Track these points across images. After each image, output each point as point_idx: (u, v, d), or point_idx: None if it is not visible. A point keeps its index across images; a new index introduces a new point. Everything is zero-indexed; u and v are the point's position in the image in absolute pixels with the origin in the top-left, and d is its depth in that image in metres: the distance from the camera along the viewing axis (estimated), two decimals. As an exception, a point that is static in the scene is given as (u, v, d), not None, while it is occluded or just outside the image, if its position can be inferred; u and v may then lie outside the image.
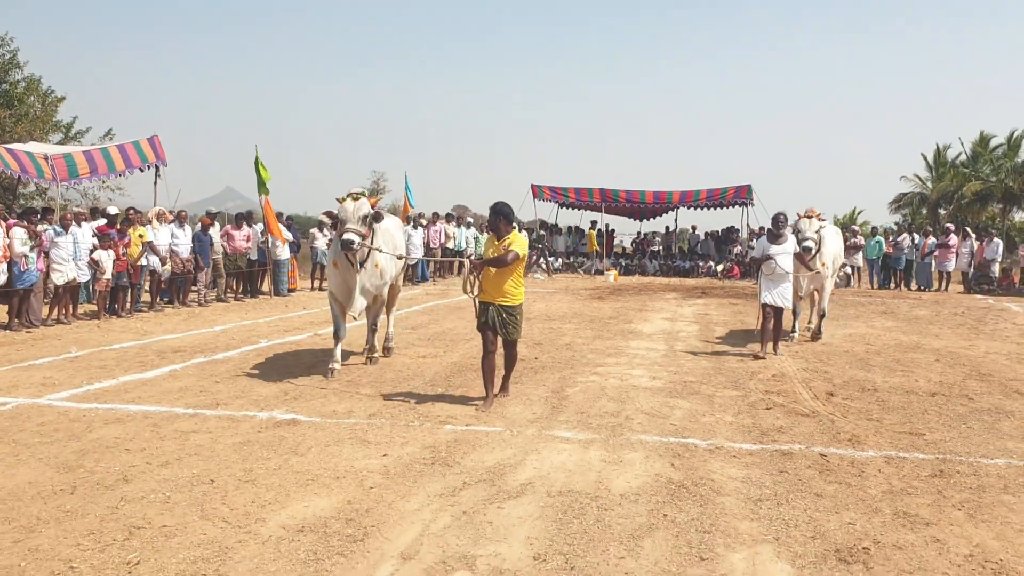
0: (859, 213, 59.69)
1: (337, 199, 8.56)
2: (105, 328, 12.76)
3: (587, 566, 4.03)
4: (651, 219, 33.82)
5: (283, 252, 18.56)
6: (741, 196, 29.22)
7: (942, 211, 45.08)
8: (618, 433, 6.61)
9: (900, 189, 48.83)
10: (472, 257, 25.43)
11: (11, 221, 12.55)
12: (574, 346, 11.34)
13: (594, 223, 31.09)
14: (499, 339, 7.40)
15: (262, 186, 17.77)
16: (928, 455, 6.08)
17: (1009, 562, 4.14)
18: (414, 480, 5.34)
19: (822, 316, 12.27)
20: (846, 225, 35.72)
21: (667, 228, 32.50)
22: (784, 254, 10.48)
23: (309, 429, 6.62)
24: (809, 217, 11.55)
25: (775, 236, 10.65)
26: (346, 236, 8.21)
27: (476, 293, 7.40)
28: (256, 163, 17.86)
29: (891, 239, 23.95)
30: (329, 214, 8.69)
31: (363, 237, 8.40)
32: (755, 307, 11.88)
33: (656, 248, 31.23)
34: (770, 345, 10.66)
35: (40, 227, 12.95)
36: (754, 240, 26.73)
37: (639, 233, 33.59)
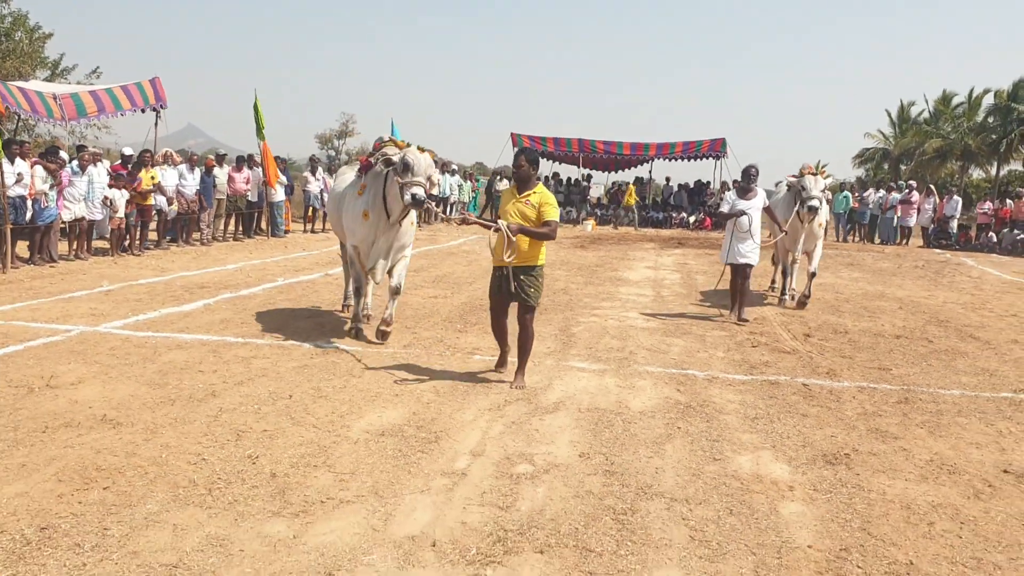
0: (824, 166, 60.91)
1: (395, 143, 7.86)
2: (122, 265, 13.43)
3: (624, 463, 4.97)
4: (627, 169, 34.59)
5: (279, 194, 19.18)
6: (715, 149, 30.12)
7: (904, 167, 46.46)
8: (626, 365, 7.55)
9: (864, 144, 50.14)
10: (458, 207, 26.14)
11: (33, 159, 13.09)
12: (569, 291, 12.25)
13: (639, 179, 31.71)
14: (513, 306, 6.60)
15: (260, 130, 18.33)
16: (894, 386, 7.10)
17: (960, 465, 5.15)
18: (463, 397, 6.25)
19: (812, 277, 11.41)
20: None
21: (641, 179, 33.36)
22: (754, 209, 9.88)
23: (354, 356, 7.48)
24: (814, 174, 10.83)
25: (745, 190, 10.02)
26: (416, 191, 7.11)
27: (511, 258, 6.26)
28: (255, 108, 18.39)
29: (857, 194, 25.06)
30: (387, 160, 7.57)
31: (429, 196, 7.36)
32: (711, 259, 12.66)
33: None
34: (737, 310, 10.15)
35: (64, 169, 13.49)
36: (726, 192, 27.80)
37: (614, 184, 34.42)
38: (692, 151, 30.63)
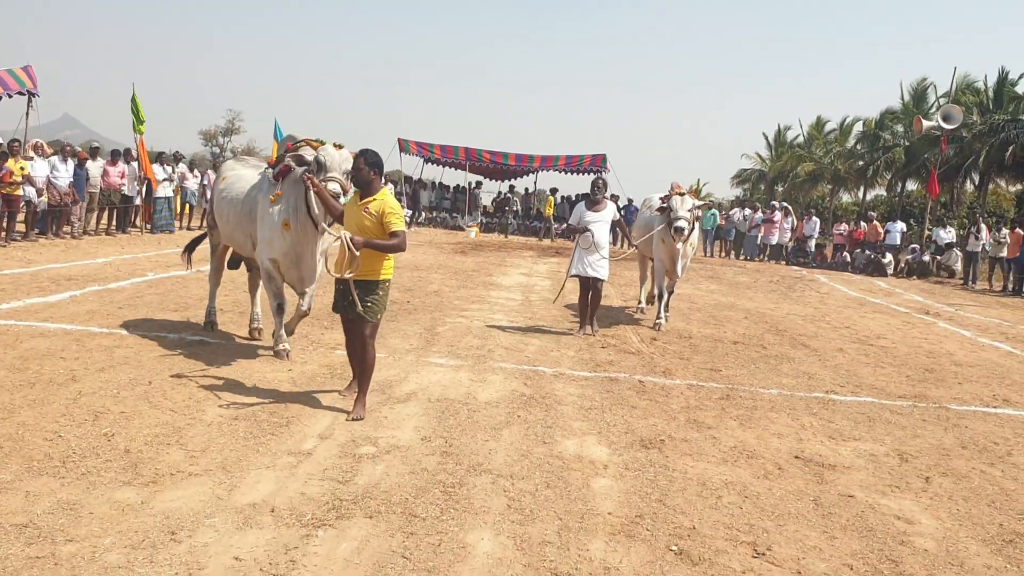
0: (704, 185, 63.41)
1: (309, 143, 7.19)
2: (4, 255, 13.16)
3: (461, 445, 5.44)
4: (512, 179, 35.31)
5: (164, 190, 19.04)
6: (596, 164, 31.12)
7: (779, 188, 48.89)
8: (482, 361, 8.05)
9: (742, 165, 52.44)
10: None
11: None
12: (441, 293, 12.71)
13: (554, 190, 32.14)
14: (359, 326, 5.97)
15: (138, 125, 18.13)
16: (720, 384, 7.82)
17: (759, 451, 5.84)
18: (319, 386, 6.62)
19: (671, 294, 11.23)
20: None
21: (526, 189, 34.12)
22: (601, 222, 9.73)
23: (219, 348, 7.74)
24: (681, 194, 10.37)
25: (593, 203, 9.88)
26: (332, 186, 6.49)
27: (352, 274, 5.74)
28: (133, 101, 18.17)
29: (724, 212, 26.43)
30: (298, 158, 7.11)
31: (344, 193, 6.57)
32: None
33: (516, 208, 32.85)
34: (587, 324, 10.00)
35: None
36: (577, 204, 28.76)
37: (500, 192, 35.10)
38: (575, 165, 31.60)
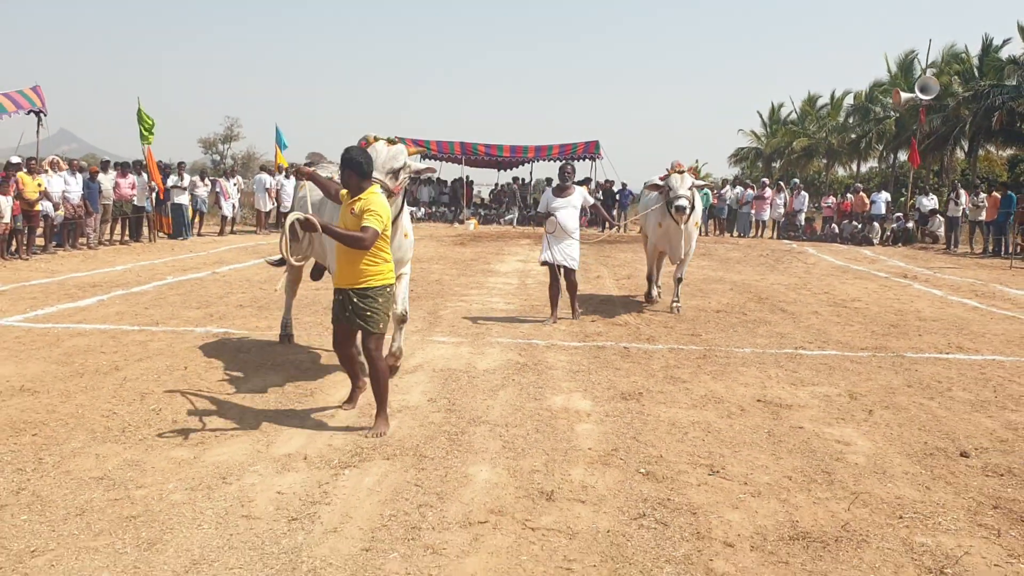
0: (703, 165, 64.02)
1: (367, 138, 6.37)
2: (12, 268, 13.96)
3: (462, 404, 6.23)
4: (508, 170, 36.03)
5: (182, 197, 19.98)
6: (590, 151, 31.87)
7: (775, 165, 49.49)
8: (481, 337, 8.83)
9: (739, 143, 52.97)
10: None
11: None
12: (442, 282, 13.50)
13: (548, 180, 32.87)
14: (356, 334, 5.70)
15: (145, 137, 18.94)
16: (699, 347, 8.60)
17: (726, 397, 6.61)
18: (337, 366, 7.40)
19: (680, 281, 10.90)
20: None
21: (522, 180, 34.85)
22: (569, 207, 9.59)
23: (244, 339, 8.53)
24: (680, 172, 10.13)
25: (561, 189, 9.71)
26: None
27: (299, 257, 5.84)
28: (139, 115, 18.98)
29: (716, 191, 27.16)
30: (315, 155, 6.86)
31: (390, 195, 5.89)
32: (600, 254, 14.09)
33: (516, 199, 33.58)
34: (571, 308, 10.03)
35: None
36: (600, 192, 29.59)
37: (496, 184, 35.86)
38: (568, 153, 32.26)
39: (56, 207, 16.42)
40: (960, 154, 38.17)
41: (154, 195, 19.46)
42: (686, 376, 7.31)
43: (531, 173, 35.26)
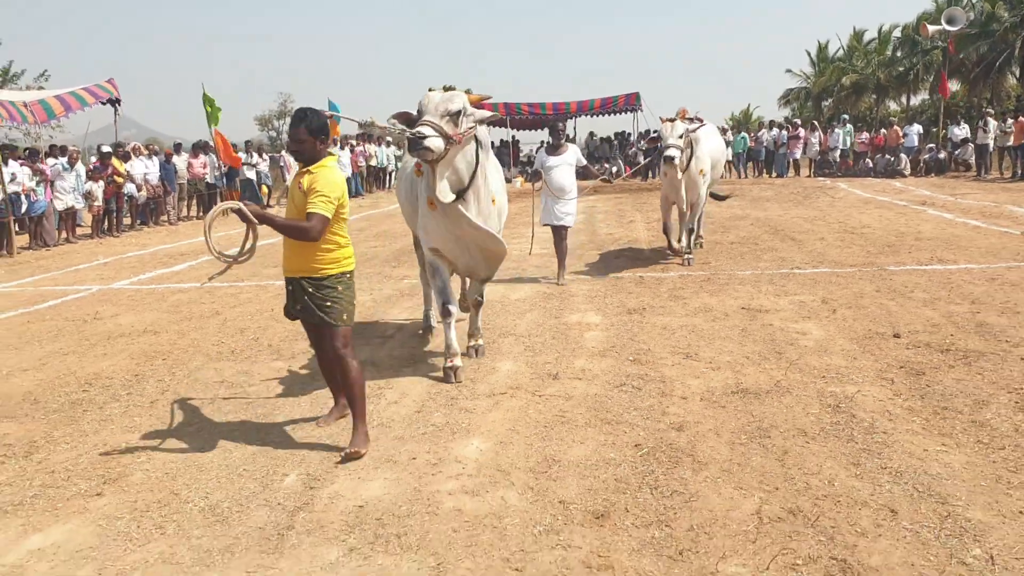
0: (755, 109, 64.03)
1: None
2: (107, 244, 15.81)
3: (495, 323, 7.67)
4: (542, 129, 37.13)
5: (250, 173, 21.70)
6: (631, 103, 32.82)
7: (825, 104, 49.46)
8: (516, 277, 10.24)
9: (788, 84, 52.84)
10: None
11: (21, 161, 15.37)
12: (487, 233, 14.94)
13: (592, 134, 34.41)
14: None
15: (212, 120, 20.62)
16: (706, 272, 9.89)
17: (716, 307, 7.93)
18: (390, 302, 8.91)
19: (691, 232, 10.82)
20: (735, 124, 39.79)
21: (652, 132, 35.86)
22: (563, 165, 9.39)
23: (239, 292, 10.07)
24: (672, 120, 9.97)
25: (553, 147, 9.59)
26: (418, 129, 5.24)
27: (233, 255, 5.04)
28: (204, 100, 20.66)
29: (753, 134, 28.00)
30: (401, 115, 5.91)
31: (448, 141, 5.30)
32: (638, 201, 15.23)
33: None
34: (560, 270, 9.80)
35: (49, 162, 15.80)
36: (643, 142, 30.61)
37: (543, 142, 37.02)
38: (609, 106, 33.31)
39: (139, 188, 18.22)
40: (1012, 80, 37.96)
41: (224, 172, 21.22)
42: (687, 295, 8.62)
43: (574, 128, 36.37)
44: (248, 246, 4.98)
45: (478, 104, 5.73)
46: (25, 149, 17.51)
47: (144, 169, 18.33)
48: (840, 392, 5.29)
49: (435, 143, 5.19)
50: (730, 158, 27.76)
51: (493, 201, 6.06)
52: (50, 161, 16.05)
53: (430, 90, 5.65)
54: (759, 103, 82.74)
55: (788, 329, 6.97)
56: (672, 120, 9.99)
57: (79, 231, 17.10)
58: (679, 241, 10.89)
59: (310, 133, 4.54)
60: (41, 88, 27.39)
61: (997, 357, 5.87)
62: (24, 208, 15.13)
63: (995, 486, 3.89)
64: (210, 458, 4.72)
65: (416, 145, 5.19)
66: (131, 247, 15.17)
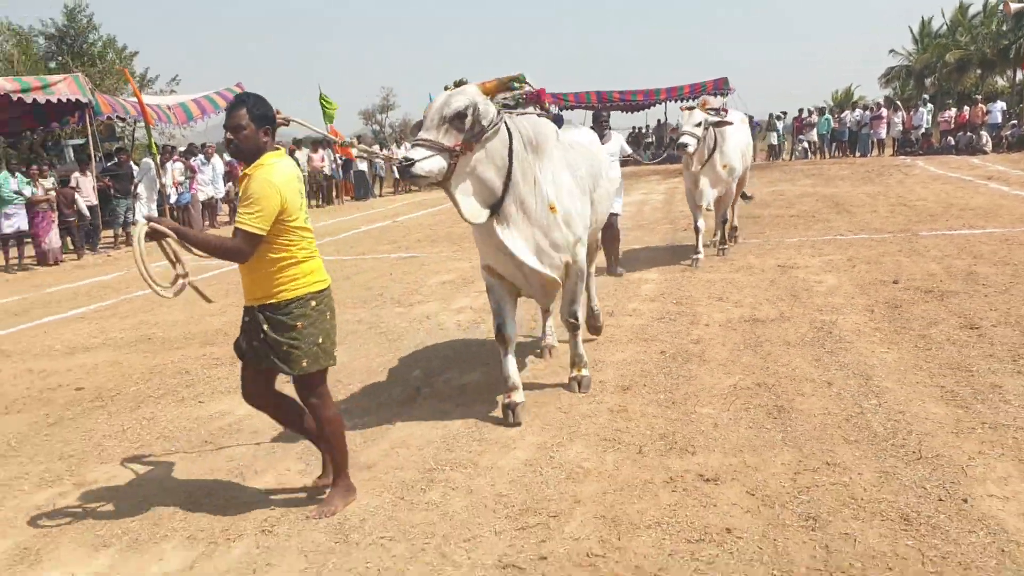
0: (856, 88, 63.33)
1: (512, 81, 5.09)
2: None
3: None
4: (641, 111, 38.43)
5: (362, 165, 24.04)
6: (719, 87, 33.91)
7: (927, 81, 48.85)
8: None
9: (889, 63, 52.19)
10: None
11: (175, 157, 17.91)
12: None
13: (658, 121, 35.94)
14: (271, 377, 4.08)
15: (328, 117, 22.99)
16: (758, 240, 11.40)
17: (755, 265, 9.48)
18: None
19: (724, 223, 10.58)
20: (822, 108, 40.24)
21: (658, 121, 37.33)
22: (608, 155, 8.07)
23: (425, 259, 12.04)
24: (690, 109, 9.80)
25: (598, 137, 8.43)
26: (412, 152, 4.46)
27: (169, 285, 3.83)
28: (320, 99, 23.03)
29: (837, 116, 28.86)
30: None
31: (451, 155, 4.48)
32: None
33: (649, 140, 36.21)
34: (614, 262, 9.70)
35: (193, 159, 18.34)
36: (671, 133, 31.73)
37: (634, 127, 38.47)
38: (698, 91, 34.35)
39: (267, 181, 20.65)
40: None
41: (340, 166, 23.58)
42: (735, 257, 10.19)
43: (665, 114, 37.66)
44: (180, 269, 3.93)
45: (508, 87, 4.96)
46: (176, 148, 20.11)
47: (273, 163, 20.76)
48: (828, 320, 6.87)
49: (429, 166, 4.42)
50: (814, 139, 28.76)
51: (552, 209, 4.97)
52: (192, 159, 18.55)
53: (447, 86, 4.85)
54: (860, 82, 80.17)
55: (809, 279, 8.51)
56: (692, 109, 9.81)
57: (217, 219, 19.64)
58: (715, 235, 10.79)
59: (252, 119, 3.74)
60: (172, 92, 30.38)
61: (966, 295, 7.33)
62: (174, 199, 17.65)
63: (910, 370, 5.47)
64: (354, 361, 6.65)
65: (404, 173, 4.57)
66: (265, 231, 17.54)
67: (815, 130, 28.65)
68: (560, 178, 5.12)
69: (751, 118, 31.32)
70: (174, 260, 3.93)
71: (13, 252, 14.03)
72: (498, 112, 4.72)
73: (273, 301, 3.80)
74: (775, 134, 30.05)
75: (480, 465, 4.44)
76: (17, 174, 14.15)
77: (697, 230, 10.05)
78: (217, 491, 4.38)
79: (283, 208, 3.70)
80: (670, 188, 21.71)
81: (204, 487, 4.45)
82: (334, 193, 23.96)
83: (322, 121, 23.16)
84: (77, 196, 15.22)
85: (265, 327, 3.80)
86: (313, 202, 23.33)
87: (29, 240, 14.26)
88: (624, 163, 11.22)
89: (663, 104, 36.62)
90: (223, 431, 5.37)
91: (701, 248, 9.97)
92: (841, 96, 59.94)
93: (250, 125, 3.74)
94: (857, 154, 27.87)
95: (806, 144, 28.99)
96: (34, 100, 15.07)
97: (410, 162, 4.40)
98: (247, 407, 5.56)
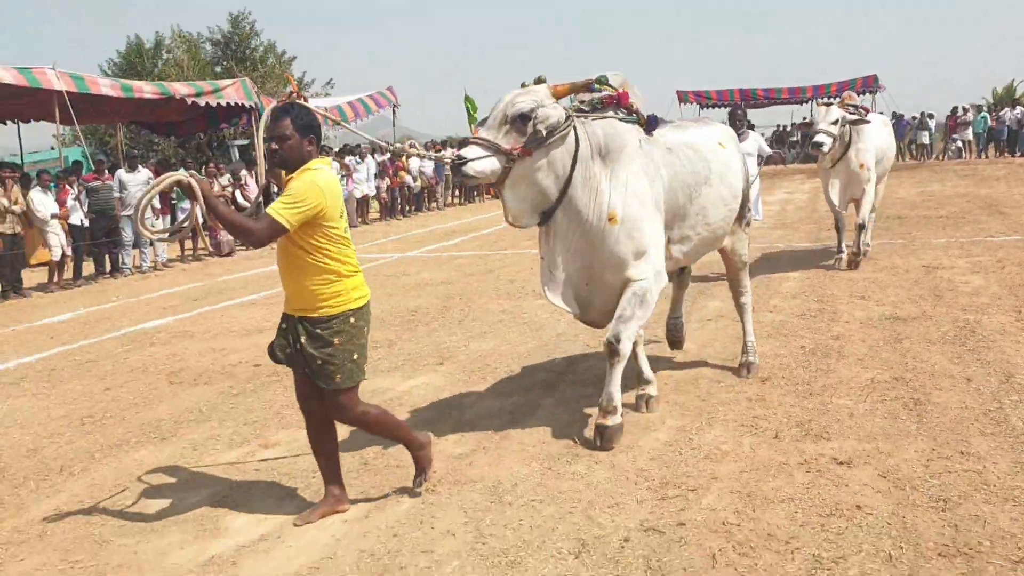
0: (1019, 83, 59.80)
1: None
2: (394, 225, 19.16)
3: (709, 263, 9.60)
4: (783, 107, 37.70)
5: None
6: (868, 85, 32.98)
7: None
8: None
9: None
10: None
11: (331, 157, 18.99)
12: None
13: (804, 119, 35.33)
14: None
15: (471, 119, 23.74)
16: (904, 240, 11.24)
17: (900, 265, 9.39)
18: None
19: (862, 228, 9.64)
20: (988, 105, 38.37)
21: (803, 119, 36.47)
22: (744, 155, 7.40)
23: (504, 256, 12.43)
24: (828, 105, 9.49)
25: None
26: (469, 151, 4.39)
27: (162, 230, 3.90)
28: (465, 100, 23.78)
29: (994, 114, 27.54)
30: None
31: (508, 158, 4.37)
32: None
33: (795, 138, 35.46)
34: None
35: (347, 158, 19.40)
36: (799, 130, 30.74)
37: (778, 126, 37.77)
38: (846, 89, 33.56)
39: (414, 180, 21.55)
40: None
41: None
42: (879, 257, 10.10)
43: (811, 112, 36.77)
44: (185, 225, 4.18)
45: (588, 89, 4.76)
46: (331, 148, 21.29)
47: (419, 163, 21.65)
48: (972, 319, 6.84)
49: (480, 167, 4.34)
50: (970, 138, 27.56)
51: (612, 219, 4.61)
52: (348, 158, 19.60)
53: (523, 83, 4.75)
54: (1021, 78, 75.23)
55: (954, 280, 8.42)
56: (828, 105, 9.48)
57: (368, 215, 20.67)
58: (839, 243, 9.93)
59: (296, 129, 3.76)
60: (327, 95, 31.93)
61: (1124, 298, 7.13)
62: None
63: (1056, 370, 5.46)
64: (501, 347, 7.10)
65: (456, 171, 4.52)
66: (413, 227, 18.39)
67: (970, 128, 27.44)
68: (635, 187, 4.69)
69: (900, 117, 30.55)
70: (188, 222, 3.95)
71: (188, 243, 15.27)
72: (567, 117, 4.50)
73: (314, 316, 3.83)
74: (926, 133, 28.91)
75: (622, 444, 4.76)
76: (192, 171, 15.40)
77: (838, 229, 9.96)
78: (384, 455, 4.87)
79: (322, 211, 3.70)
80: (814, 187, 21.25)
81: (373, 452, 4.94)
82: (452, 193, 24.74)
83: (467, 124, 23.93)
84: (237, 193, 16.27)
85: (303, 339, 3.85)
86: (456, 201, 24.19)
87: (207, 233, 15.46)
88: (768, 162, 11.25)
89: (808, 103, 35.86)
90: (386, 404, 5.89)
91: (844, 247, 9.77)
92: (1002, 93, 56.83)
93: (295, 135, 3.76)
94: (1017, 154, 26.55)
95: (960, 143, 27.80)
96: (207, 103, 16.35)
97: (462, 161, 4.34)
98: (407, 383, 6.17)
